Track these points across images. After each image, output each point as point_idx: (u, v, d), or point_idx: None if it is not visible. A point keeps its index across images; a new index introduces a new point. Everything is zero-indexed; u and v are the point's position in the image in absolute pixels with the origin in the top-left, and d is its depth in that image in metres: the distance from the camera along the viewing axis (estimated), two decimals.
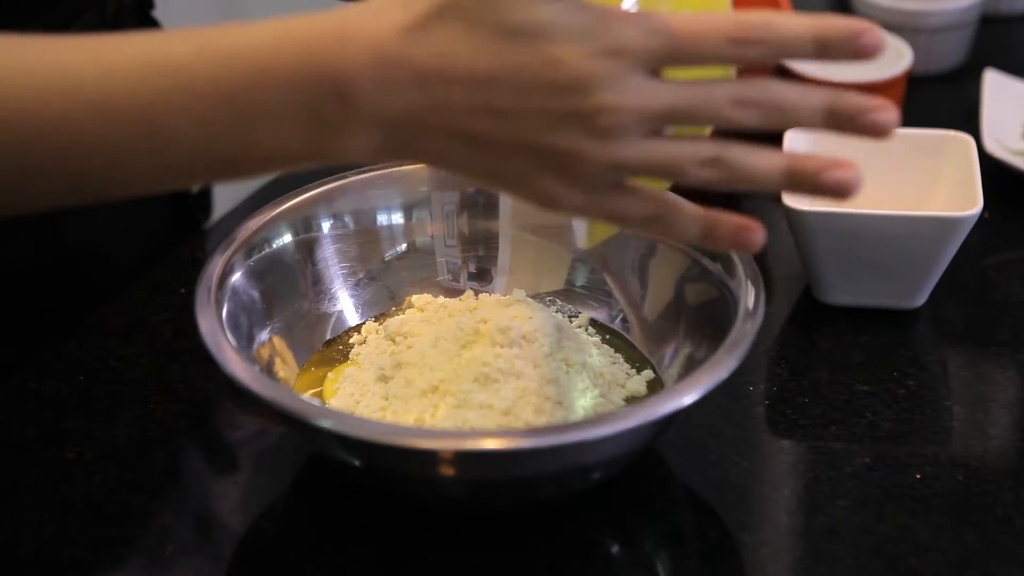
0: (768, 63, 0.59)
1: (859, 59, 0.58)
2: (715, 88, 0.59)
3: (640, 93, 0.58)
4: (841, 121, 0.59)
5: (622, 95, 0.58)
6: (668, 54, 0.58)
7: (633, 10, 0.59)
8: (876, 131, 0.59)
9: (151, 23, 0.98)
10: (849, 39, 0.58)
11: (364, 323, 0.83)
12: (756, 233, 0.61)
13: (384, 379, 0.76)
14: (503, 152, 0.60)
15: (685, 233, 0.61)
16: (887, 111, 0.59)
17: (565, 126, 0.58)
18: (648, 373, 0.79)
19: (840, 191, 0.59)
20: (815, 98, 0.59)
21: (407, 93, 0.59)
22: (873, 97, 0.59)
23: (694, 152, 0.59)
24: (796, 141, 0.92)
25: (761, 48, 0.58)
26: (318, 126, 0.60)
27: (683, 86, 0.59)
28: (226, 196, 1.09)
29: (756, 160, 0.59)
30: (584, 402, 0.76)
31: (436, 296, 0.85)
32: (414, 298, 0.85)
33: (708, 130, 0.68)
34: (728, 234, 0.61)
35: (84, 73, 0.61)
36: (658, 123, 0.59)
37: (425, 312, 0.82)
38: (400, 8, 0.60)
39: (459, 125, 0.60)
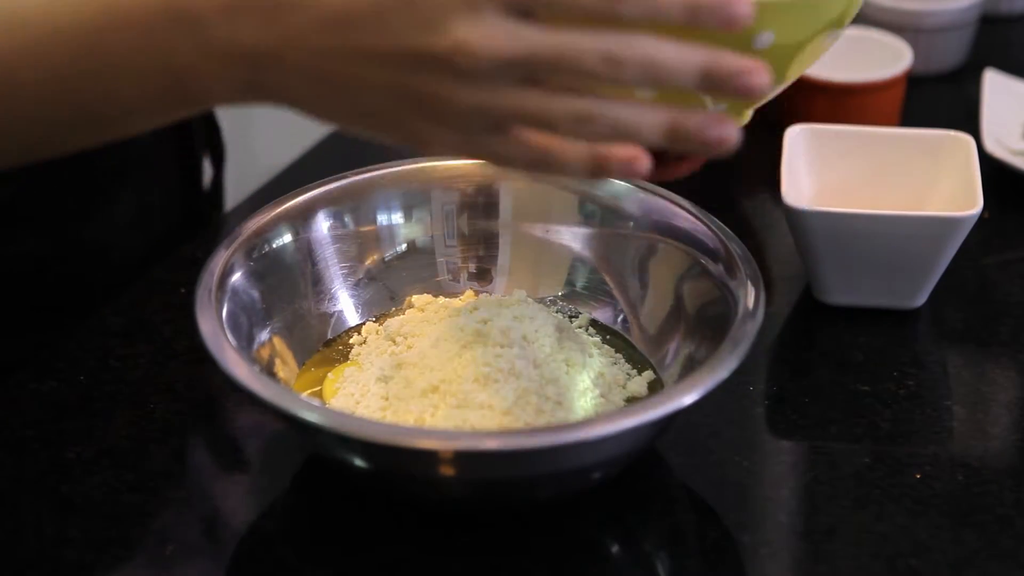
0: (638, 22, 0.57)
1: (727, 29, 0.56)
2: (585, 40, 0.56)
3: (499, 35, 0.55)
4: (716, 82, 0.57)
5: (478, 36, 0.55)
6: None
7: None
8: (747, 92, 0.57)
9: None
10: (719, 6, 0.56)
11: (364, 323, 0.83)
12: (643, 161, 0.58)
13: (384, 379, 0.76)
14: (366, 92, 0.58)
15: (574, 173, 0.59)
16: (760, 75, 0.57)
17: (425, 67, 0.56)
18: (648, 374, 0.79)
19: (719, 144, 0.58)
20: (693, 58, 0.56)
21: (259, 24, 0.57)
22: (747, 59, 0.57)
23: (569, 106, 0.57)
24: (795, 138, 0.92)
25: (635, 6, 0.55)
26: (173, 66, 0.59)
27: (550, 34, 0.56)
28: (231, 195, 1.10)
29: (638, 116, 0.57)
30: (584, 403, 0.76)
31: (436, 296, 0.85)
32: (414, 298, 0.85)
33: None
34: (618, 168, 0.58)
35: None
36: (520, 69, 0.56)
37: (425, 312, 0.82)
38: None
39: (316, 64, 0.58)
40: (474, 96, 0.57)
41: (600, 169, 0.58)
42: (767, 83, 0.57)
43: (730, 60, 0.57)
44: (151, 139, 0.94)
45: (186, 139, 1.00)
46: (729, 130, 0.58)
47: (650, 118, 0.58)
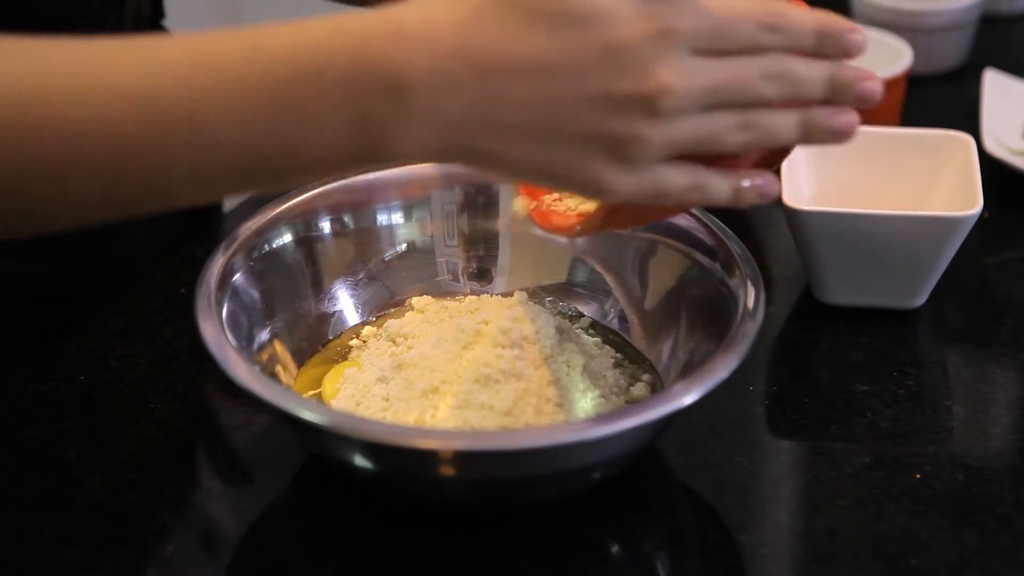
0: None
1: (846, 56, 0.64)
2: (749, 63, 0.62)
3: (693, 72, 0.60)
4: (840, 87, 0.63)
5: (679, 75, 0.60)
6: (712, 35, 0.61)
7: None
8: (867, 95, 0.64)
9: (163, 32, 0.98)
10: (841, 35, 0.63)
11: (364, 324, 0.83)
12: (776, 183, 0.65)
13: (384, 380, 0.76)
14: (561, 143, 0.60)
15: (719, 196, 0.64)
16: (875, 81, 0.64)
17: (625, 110, 0.60)
18: (649, 376, 0.79)
19: (847, 130, 0.64)
20: (820, 69, 0.63)
21: (466, 90, 0.59)
22: (863, 68, 0.64)
23: (729, 119, 0.62)
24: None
25: (781, 36, 0.62)
26: (369, 127, 0.59)
27: (726, 62, 0.61)
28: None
29: (779, 118, 0.63)
30: (584, 404, 0.76)
31: (437, 297, 0.85)
32: (414, 300, 0.84)
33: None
34: (755, 192, 0.64)
35: (123, 70, 0.59)
36: (708, 99, 0.61)
37: (426, 313, 0.82)
38: (454, 1, 0.59)
39: (519, 119, 0.59)
40: (665, 131, 0.60)
41: (740, 192, 0.64)
42: (881, 89, 0.64)
43: (850, 69, 0.64)
44: None
45: None
46: (852, 117, 0.64)
47: (787, 118, 0.63)
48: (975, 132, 0.96)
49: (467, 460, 0.68)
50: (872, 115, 1.03)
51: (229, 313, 0.75)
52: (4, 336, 0.89)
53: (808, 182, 0.92)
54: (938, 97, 1.15)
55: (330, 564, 0.72)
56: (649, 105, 0.60)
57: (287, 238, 0.81)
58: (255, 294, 0.78)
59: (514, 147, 0.60)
